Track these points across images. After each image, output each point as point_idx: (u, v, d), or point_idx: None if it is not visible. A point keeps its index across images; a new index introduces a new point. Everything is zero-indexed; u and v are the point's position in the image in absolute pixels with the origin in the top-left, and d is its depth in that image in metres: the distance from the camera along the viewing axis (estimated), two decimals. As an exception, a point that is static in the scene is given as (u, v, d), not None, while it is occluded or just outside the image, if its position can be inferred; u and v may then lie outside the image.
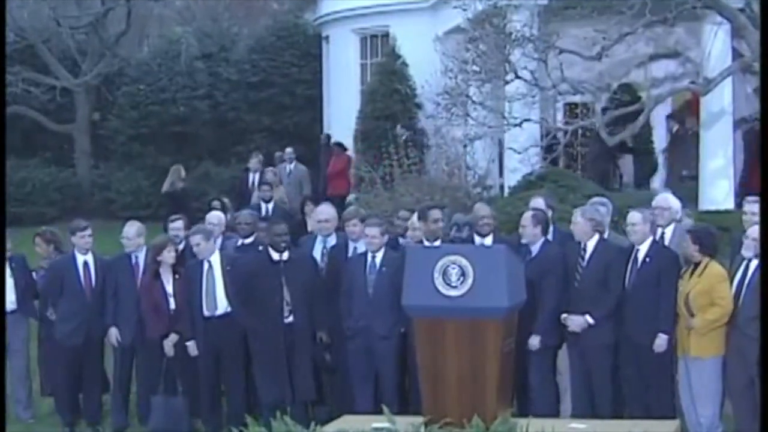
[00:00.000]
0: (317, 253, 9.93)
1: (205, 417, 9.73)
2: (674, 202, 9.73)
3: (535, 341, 8.94)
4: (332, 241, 10.00)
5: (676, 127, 18.59)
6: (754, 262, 8.44)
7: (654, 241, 8.89)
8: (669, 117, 18.84)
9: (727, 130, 16.49)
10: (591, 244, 8.92)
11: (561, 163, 17.51)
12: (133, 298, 9.94)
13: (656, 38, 16.80)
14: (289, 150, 19.25)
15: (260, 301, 9.39)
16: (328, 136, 21.15)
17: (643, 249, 8.80)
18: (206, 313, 9.60)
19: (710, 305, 8.44)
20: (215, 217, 10.95)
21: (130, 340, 9.97)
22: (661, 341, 8.63)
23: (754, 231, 8.52)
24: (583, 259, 8.91)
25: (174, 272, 9.75)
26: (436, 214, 9.49)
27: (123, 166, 23.89)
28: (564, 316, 8.90)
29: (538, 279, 8.83)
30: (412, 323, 8.19)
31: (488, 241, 9.29)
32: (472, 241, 9.34)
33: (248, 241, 10.71)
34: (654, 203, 9.65)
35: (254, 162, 18.19)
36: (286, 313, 9.36)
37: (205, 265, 9.65)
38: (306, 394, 9.38)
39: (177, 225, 10.67)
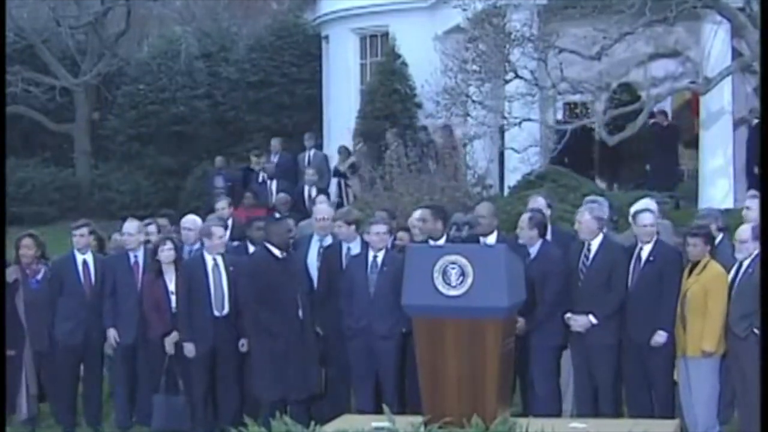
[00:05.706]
0: (314, 252, 9.92)
1: (198, 418, 9.62)
2: (653, 205, 9.76)
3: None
4: (329, 240, 10.00)
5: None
6: (746, 262, 8.44)
7: (658, 241, 8.88)
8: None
9: (726, 129, 16.49)
10: (595, 244, 8.91)
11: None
12: (133, 297, 9.90)
13: (656, 38, 16.81)
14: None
15: (274, 298, 9.28)
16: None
17: (647, 249, 8.80)
18: (215, 312, 9.56)
19: (704, 312, 8.45)
20: (191, 221, 10.53)
21: (130, 339, 9.93)
22: (659, 338, 8.63)
23: (741, 233, 8.53)
24: (587, 258, 8.90)
25: (177, 271, 9.73)
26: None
27: (122, 166, 23.83)
28: (567, 316, 8.89)
29: (539, 280, 8.82)
30: (413, 323, 8.19)
31: (491, 240, 9.28)
32: (474, 241, 9.33)
33: None
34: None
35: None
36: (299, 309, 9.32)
37: (210, 263, 9.61)
38: (314, 389, 9.36)
39: (150, 229, 10.55)
